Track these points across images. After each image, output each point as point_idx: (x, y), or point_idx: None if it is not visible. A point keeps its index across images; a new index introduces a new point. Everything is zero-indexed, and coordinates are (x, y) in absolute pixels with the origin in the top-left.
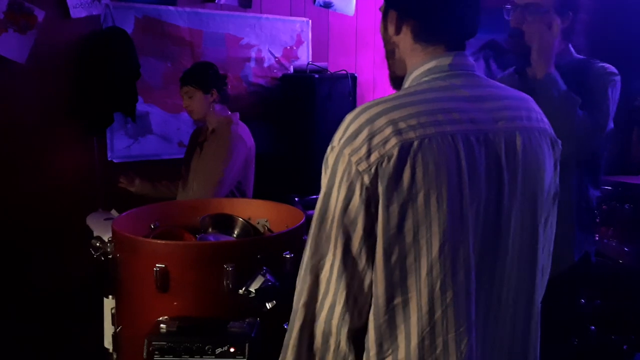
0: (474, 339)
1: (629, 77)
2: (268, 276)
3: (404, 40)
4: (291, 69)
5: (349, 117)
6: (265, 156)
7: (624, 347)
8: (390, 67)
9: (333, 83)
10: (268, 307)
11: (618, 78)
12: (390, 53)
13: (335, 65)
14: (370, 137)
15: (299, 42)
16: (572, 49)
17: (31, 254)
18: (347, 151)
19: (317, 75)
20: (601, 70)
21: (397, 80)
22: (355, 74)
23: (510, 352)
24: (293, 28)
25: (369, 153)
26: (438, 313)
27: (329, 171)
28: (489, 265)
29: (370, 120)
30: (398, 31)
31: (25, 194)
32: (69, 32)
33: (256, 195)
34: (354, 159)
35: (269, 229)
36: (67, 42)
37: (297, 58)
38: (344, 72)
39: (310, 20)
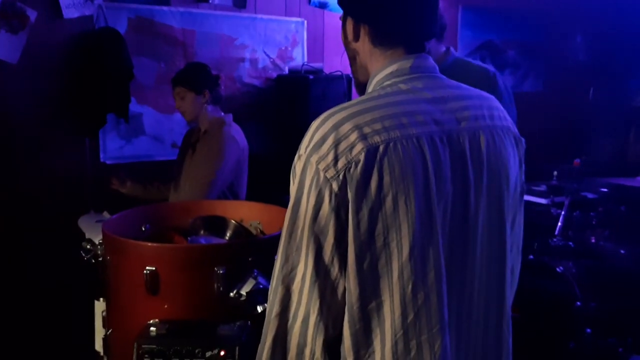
0: (448, 339)
1: (626, 77)
2: (259, 279)
3: (363, 45)
4: (286, 70)
5: (314, 125)
6: (259, 157)
7: (620, 349)
8: (353, 74)
9: (328, 84)
10: (259, 311)
11: (498, 75)
12: (352, 60)
13: (331, 66)
14: (337, 144)
15: (294, 43)
16: (452, 49)
17: (22, 256)
18: (314, 159)
19: (311, 76)
20: (483, 73)
21: (361, 87)
22: (350, 75)
23: (484, 351)
24: (288, 28)
25: (336, 160)
26: (411, 316)
27: (296, 180)
28: (459, 266)
29: (336, 127)
30: (356, 37)
31: (17, 195)
32: (61, 32)
33: (250, 197)
34: (322, 166)
35: (261, 231)
36: (59, 43)
37: (292, 59)
38: (339, 73)
39: (305, 21)
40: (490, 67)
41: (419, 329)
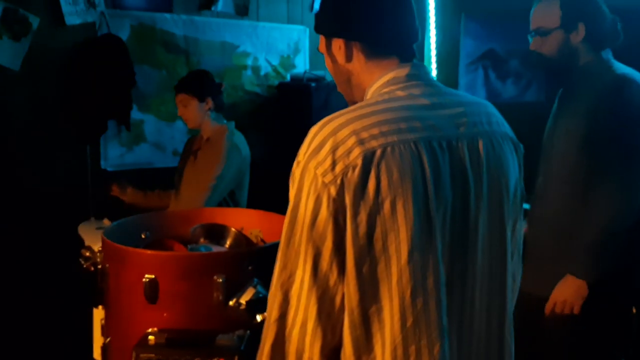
0: (447, 345)
1: None
2: (259, 288)
3: (357, 64)
4: (288, 78)
5: (313, 130)
6: (261, 165)
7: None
8: (348, 96)
9: (330, 92)
10: (258, 320)
11: (627, 86)
12: (346, 83)
13: None
14: (334, 149)
15: (297, 51)
16: (607, 58)
17: (21, 262)
18: (312, 164)
19: (314, 84)
20: (605, 82)
21: None
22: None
23: (486, 357)
24: (290, 36)
25: (333, 165)
26: (410, 321)
27: (295, 186)
28: (459, 271)
29: (334, 132)
30: (349, 58)
31: (17, 202)
32: (63, 39)
33: (251, 205)
34: (319, 171)
35: (262, 240)
36: (61, 50)
37: (294, 66)
38: None
39: (307, 28)
40: (625, 74)
41: (418, 335)
